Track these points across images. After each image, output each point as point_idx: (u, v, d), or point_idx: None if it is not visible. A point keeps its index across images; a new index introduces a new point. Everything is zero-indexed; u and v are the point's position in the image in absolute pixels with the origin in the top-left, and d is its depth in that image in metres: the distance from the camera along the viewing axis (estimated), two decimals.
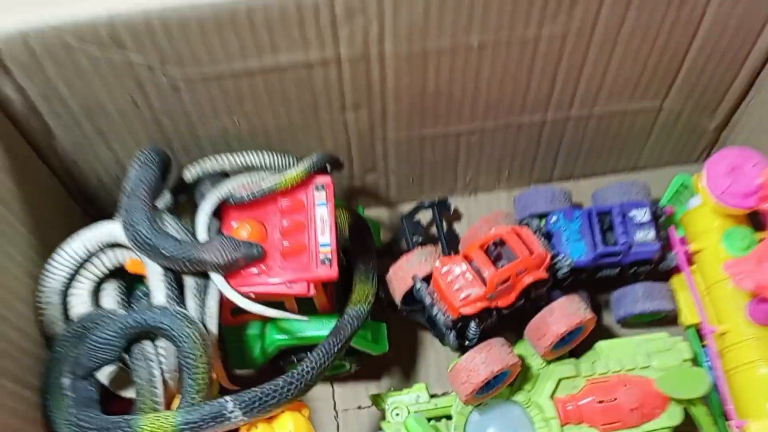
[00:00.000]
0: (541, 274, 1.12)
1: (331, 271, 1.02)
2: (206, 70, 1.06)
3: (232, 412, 0.94)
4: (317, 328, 1.09)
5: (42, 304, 1.03)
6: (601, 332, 1.26)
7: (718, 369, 1.14)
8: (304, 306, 1.08)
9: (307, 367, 0.99)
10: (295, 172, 1.06)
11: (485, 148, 1.33)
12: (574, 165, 1.43)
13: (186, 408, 0.94)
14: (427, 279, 1.16)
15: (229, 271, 1.01)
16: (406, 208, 1.37)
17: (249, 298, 1.01)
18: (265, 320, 1.11)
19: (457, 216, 1.45)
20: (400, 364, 1.28)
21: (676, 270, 1.25)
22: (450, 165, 1.36)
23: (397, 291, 1.19)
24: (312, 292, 1.02)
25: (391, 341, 1.19)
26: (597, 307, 1.30)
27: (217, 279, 1.01)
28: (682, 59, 1.20)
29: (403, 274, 1.19)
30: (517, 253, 1.11)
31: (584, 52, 1.14)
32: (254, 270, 1.02)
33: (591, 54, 1.15)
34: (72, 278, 1.05)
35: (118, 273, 1.06)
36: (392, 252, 1.26)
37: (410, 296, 1.18)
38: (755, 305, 1.11)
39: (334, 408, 1.27)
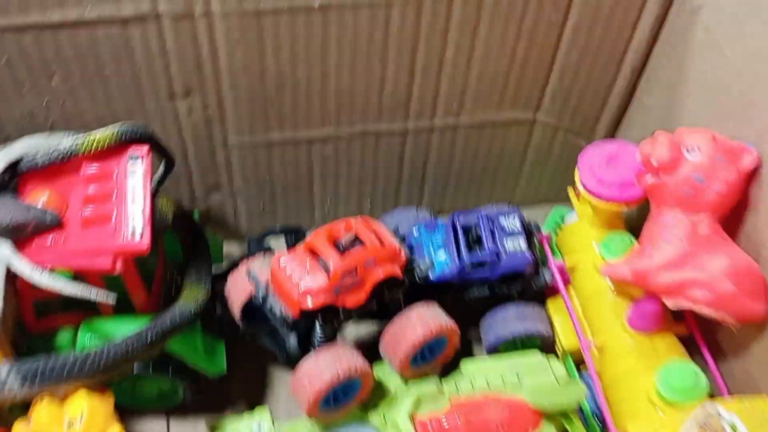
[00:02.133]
0: (394, 270, 1.02)
1: (141, 244, 0.92)
2: None
3: (6, 379, 0.83)
4: (135, 328, 0.96)
5: None
6: None
7: (597, 386, 1.05)
8: (127, 305, 1.00)
9: (108, 348, 0.89)
10: (101, 134, 0.95)
11: (342, 164, 1.24)
12: (443, 195, 1.34)
13: None
14: None
15: (17, 237, 0.90)
16: None
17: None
18: (77, 323, 0.99)
19: None
20: (243, 390, 1.17)
21: (549, 293, 1.18)
22: (304, 185, 1.27)
23: (236, 302, 1.08)
24: (118, 268, 0.91)
25: (232, 365, 1.10)
26: (466, 342, 1.20)
27: (2, 246, 0.89)
28: (552, 58, 1.14)
29: (242, 283, 1.08)
30: (365, 241, 1.01)
31: (442, 38, 1.08)
32: (48, 240, 0.92)
33: (451, 38, 1.08)
34: None
35: None
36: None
37: (250, 312, 1.08)
38: (635, 309, 1.05)
39: None
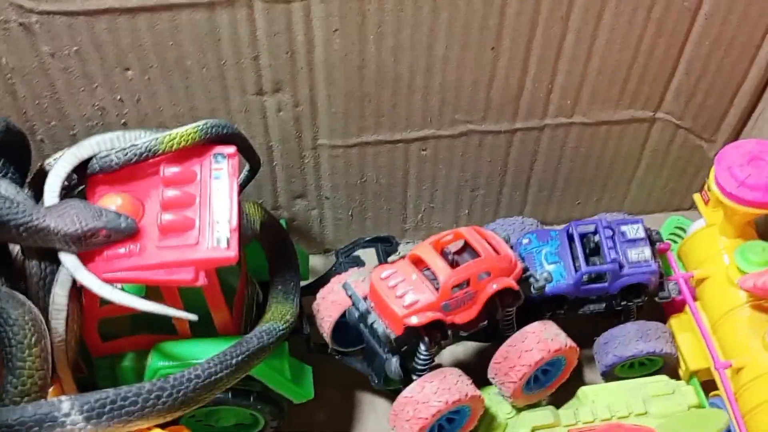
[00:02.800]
0: (510, 282, 0.92)
1: (228, 252, 0.80)
2: (65, 3, 0.85)
3: (67, 416, 0.69)
4: (215, 353, 0.82)
5: None
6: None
7: (735, 413, 0.96)
8: (202, 327, 0.87)
9: (189, 374, 0.76)
10: (183, 130, 0.84)
11: (441, 167, 1.13)
12: (547, 203, 1.23)
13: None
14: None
15: (86, 248, 0.78)
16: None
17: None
18: (147, 347, 0.88)
19: None
20: (328, 417, 1.08)
21: (671, 310, 1.08)
22: (397, 191, 1.16)
23: (326, 321, 0.98)
24: (202, 280, 0.80)
25: (319, 390, 0.98)
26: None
27: (67, 259, 0.78)
28: (680, 49, 1.02)
29: (333, 298, 0.98)
30: (479, 251, 0.91)
31: (563, 25, 0.96)
32: (121, 250, 0.79)
33: (572, 26, 0.97)
34: None
35: None
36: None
37: (342, 332, 0.99)
38: None
39: None
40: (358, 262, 1.12)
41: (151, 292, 0.84)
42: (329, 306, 0.98)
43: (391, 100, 1.01)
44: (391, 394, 0.98)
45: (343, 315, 0.97)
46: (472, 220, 1.22)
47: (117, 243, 0.79)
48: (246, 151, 0.92)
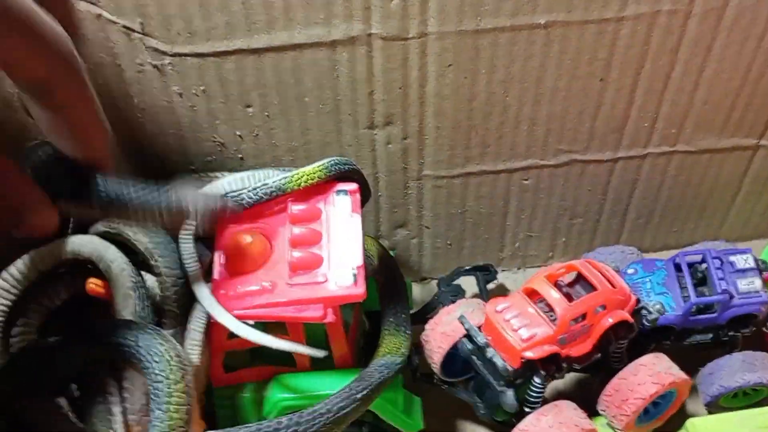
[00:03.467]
0: (625, 315, 0.91)
1: (357, 289, 0.81)
2: (197, 45, 0.87)
3: None
4: (334, 386, 0.84)
5: None
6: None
7: None
8: (318, 359, 0.86)
9: (320, 409, 0.78)
10: (310, 168, 0.86)
11: (541, 196, 1.13)
12: (644, 229, 1.22)
13: None
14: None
15: (210, 226, 0.82)
16: None
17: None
18: (266, 378, 0.89)
19: (503, 292, 1.21)
20: None
21: None
22: (497, 220, 1.16)
23: (437, 352, 0.99)
24: (330, 317, 0.81)
25: (426, 421, 0.97)
26: None
27: (203, 296, 0.81)
28: None
29: (443, 330, 0.98)
30: (595, 285, 0.91)
31: (672, 57, 0.97)
32: (254, 287, 0.81)
33: (681, 58, 0.97)
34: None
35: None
36: (424, 321, 1.03)
37: (450, 363, 0.99)
38: None
39: None
40: (459, 291, 1.13)
41: (271, 325, 0.86)
42: (439, 337, 0.98)
43: (498, 131, 1.02)
44: (494, 424, 1.00)
45: (452, 346, 0.97)
46: (568, 248, 1.22)
47: (246, 273, 0.82)
48: (362, 185, 0.94)
